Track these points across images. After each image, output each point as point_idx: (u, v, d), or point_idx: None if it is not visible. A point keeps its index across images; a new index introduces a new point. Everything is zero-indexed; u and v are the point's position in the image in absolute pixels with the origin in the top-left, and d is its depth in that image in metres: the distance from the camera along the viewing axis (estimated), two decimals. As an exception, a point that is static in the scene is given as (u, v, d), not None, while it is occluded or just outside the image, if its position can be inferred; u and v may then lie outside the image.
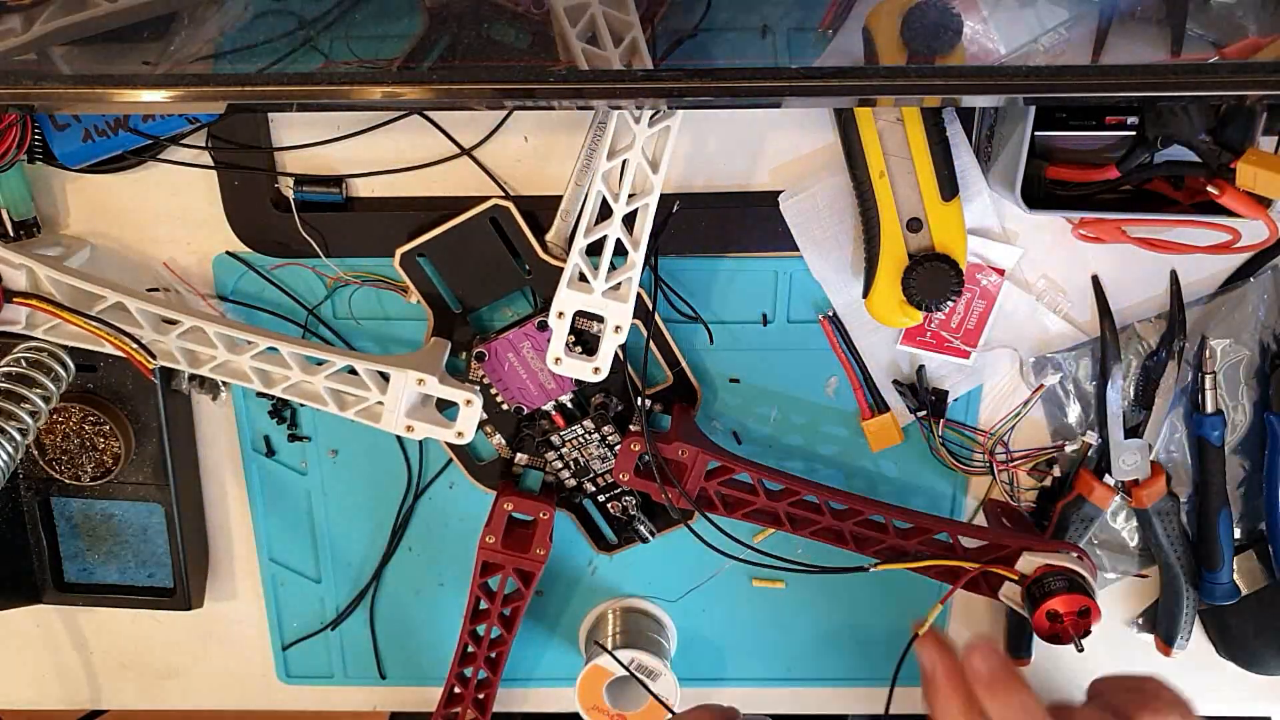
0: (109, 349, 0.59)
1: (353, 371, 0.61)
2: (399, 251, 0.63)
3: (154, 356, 0.60)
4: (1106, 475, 0.67)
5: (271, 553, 0.74)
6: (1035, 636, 0.70)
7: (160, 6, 0.51)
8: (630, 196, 0.60)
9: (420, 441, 0.70)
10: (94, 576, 0.74)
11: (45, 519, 0.72)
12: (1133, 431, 0.67)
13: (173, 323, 0.60)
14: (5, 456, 0.59)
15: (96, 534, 0.72)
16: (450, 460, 0.71)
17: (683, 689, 0.71)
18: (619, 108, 0.58)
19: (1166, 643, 0.73)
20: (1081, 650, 0.62)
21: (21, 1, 0.51)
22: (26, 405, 0.60)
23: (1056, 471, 0.69)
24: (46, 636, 0.78)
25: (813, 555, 0.67)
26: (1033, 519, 0.70)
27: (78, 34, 0.51)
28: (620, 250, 0.61)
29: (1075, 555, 0.63)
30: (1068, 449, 0.68)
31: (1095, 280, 0.66)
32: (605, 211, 0.60)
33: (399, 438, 0.70)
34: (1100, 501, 0.67)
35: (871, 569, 0.65)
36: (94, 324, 0.58)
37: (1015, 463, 0.69)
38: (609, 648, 0.71)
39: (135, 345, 0.59)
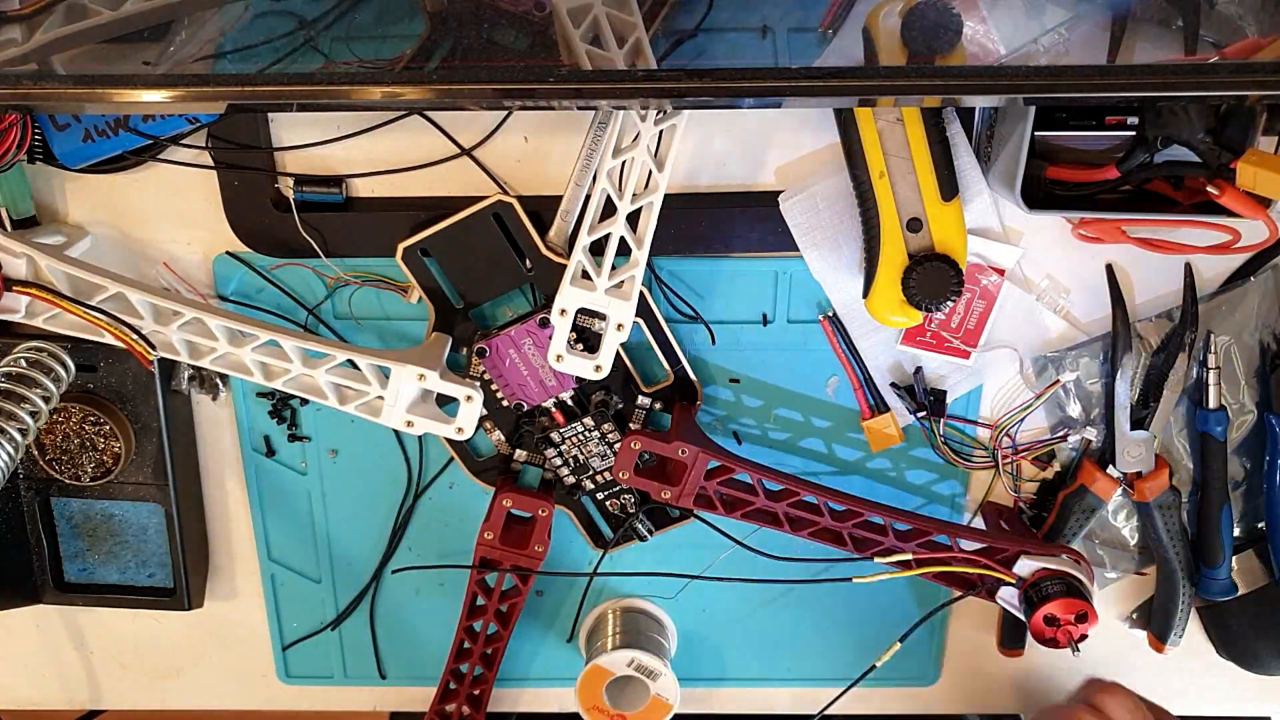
0: (109, 339, 0.59)
1: (354, 366, 0.61)
2: (401, 245, 0.63)
3: (154, 347, 0.59)
4: (1110, 466, 0.67)
5: (271, 553, 0.74)
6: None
7: (160, 14, 0.51)
8: (634, 195, 0.60)
9: (420, 441, 0.71)
10: (94, 576, 0.74)
11: (45, 519, 0.72)
12: (1138, 424, 0.67)
13: (174, 314, 0.59)
14: (5, 456, 0.58)
15: (96, 534, 0.72)
16: (450, 460, 0.70)
17: (683, 689, 0.71)
18: (622, 108, 0.58)
19: (1160, 639, 0.73)
20: (1078, 654, 0.62)
21: (22, 11, 0.51)
22: (26, 405, 0.60)
23: (1057, 465, 0.69)
24: (46, 636, 0.77)
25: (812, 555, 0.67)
26: (1033, 511, 0.70)
27: (79, 42, 0.51)
28: (623, 249, 0.61)
29: (1073, 559, 0.63)
30: (1070, 439, 0.68)
31: (1109, 269, 0.65)
32: (609, 209, 0.60)
33: (399, 437, 0.70)
34: (1103, 492, 0.67)
35: (858, 579, 0.65)
36: (94, 314, 0.58)
37: (1021, 453, 0.69)
38: (609, 648, 0.71)
39: (135, 336, 0.58)
